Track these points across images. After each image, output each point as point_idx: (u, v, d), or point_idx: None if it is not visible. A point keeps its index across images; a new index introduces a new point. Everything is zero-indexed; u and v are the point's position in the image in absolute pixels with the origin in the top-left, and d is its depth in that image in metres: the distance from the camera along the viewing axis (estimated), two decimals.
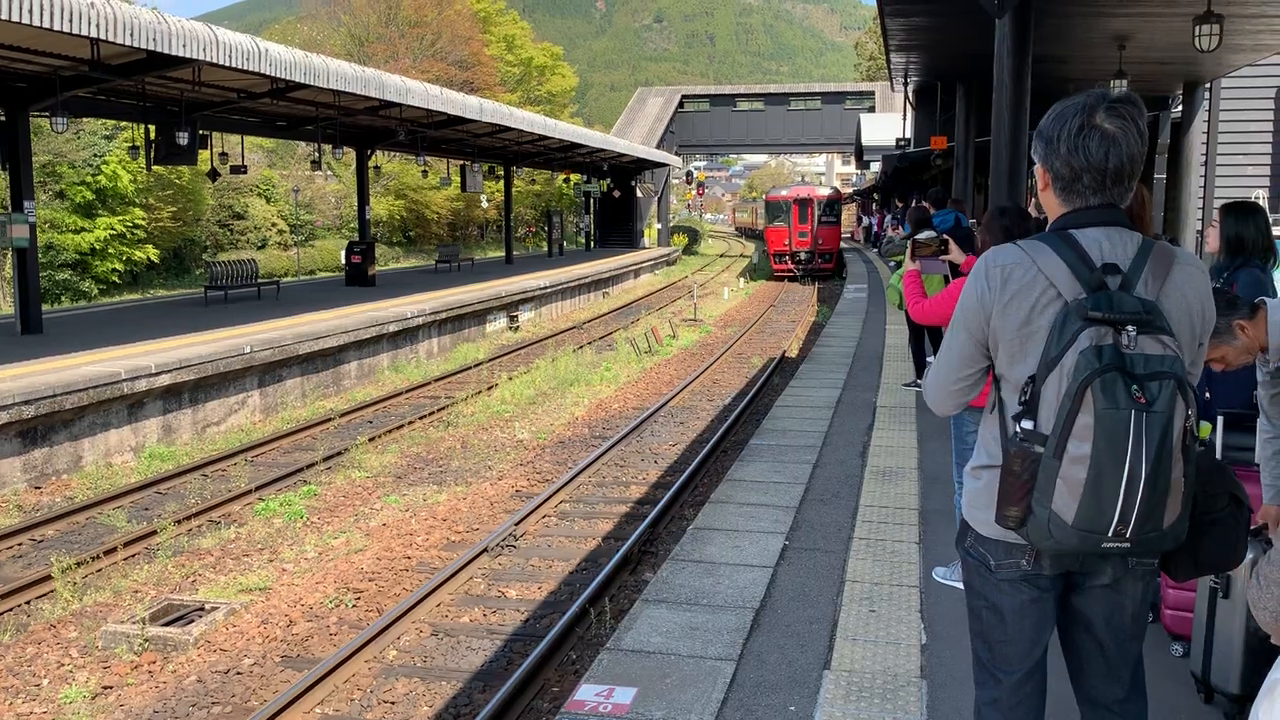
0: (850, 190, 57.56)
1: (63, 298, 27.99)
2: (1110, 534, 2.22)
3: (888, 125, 37.09)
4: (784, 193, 40.50)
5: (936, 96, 21.99)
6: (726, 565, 5.48)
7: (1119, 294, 2.26)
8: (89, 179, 29.47)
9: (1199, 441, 2.34)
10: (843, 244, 42.60)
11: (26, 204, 15.11)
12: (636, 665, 4.30)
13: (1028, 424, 2.29)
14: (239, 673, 6.69)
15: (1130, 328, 2.21)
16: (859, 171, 57.15)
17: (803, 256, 38.67)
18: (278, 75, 14.77)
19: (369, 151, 25.79)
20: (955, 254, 5.31)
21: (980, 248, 4.86)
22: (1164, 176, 18.23)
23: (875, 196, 46.97)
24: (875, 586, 5.22)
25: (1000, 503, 2.35)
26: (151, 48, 12.27)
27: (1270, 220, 4.72)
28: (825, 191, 41.00)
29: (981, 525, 2.51)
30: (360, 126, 23.48)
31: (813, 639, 4.57)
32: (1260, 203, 4.93)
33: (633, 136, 49.23)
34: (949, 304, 4.84)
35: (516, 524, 9.41)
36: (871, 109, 51.34)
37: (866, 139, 40.73)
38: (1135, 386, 2.17)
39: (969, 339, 2.48)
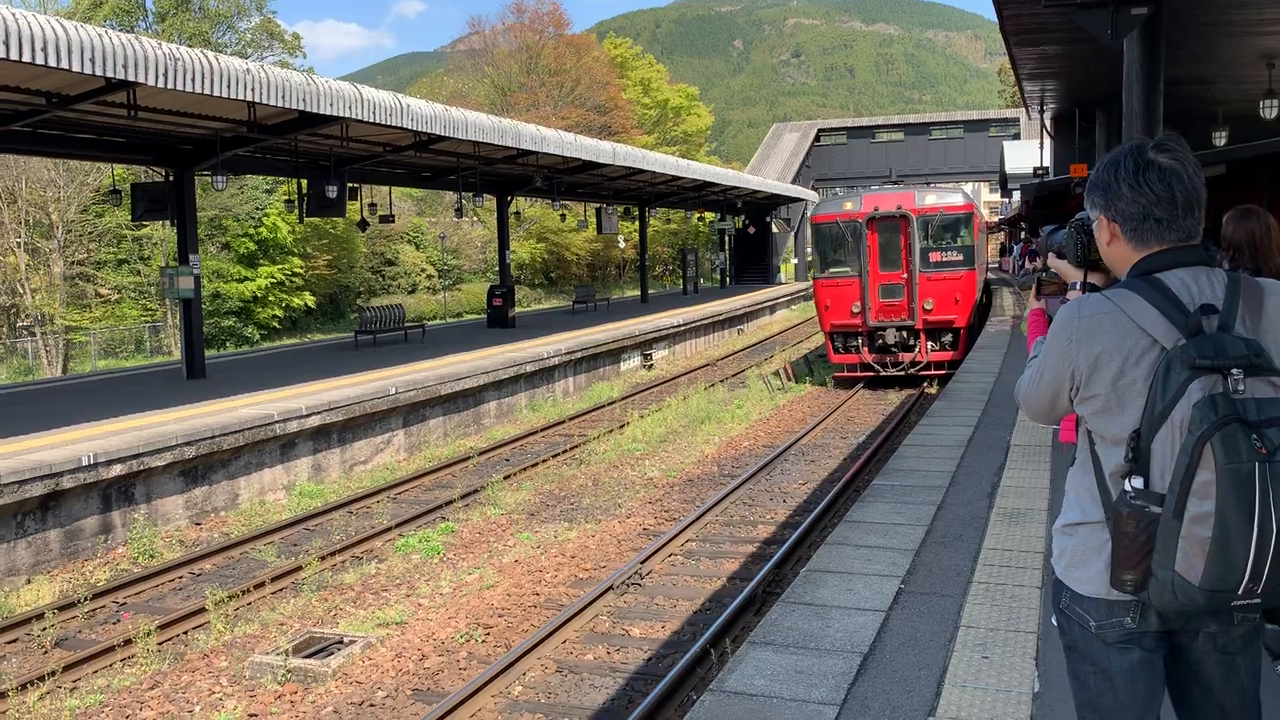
0: (998, 219, 55.44)
1: (228, 343, 29.74)
2: (1240, 592, 2.10)
3: (1031, 153, 35.00)
4: (848, 206, 20.45)
5: (1075, 123, 21.33)
6: (838, 608, 5.45)
7: (1221, 336, 2.15)
8: (251, 230, 31.37)
9: None
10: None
11: (192, 257, 16.21)
12: (738, 707, 4.33)
13: (1138, 482, 2.18)
14: (372, 705, 6.98)
15: (1236, 371, 2.09)
16: (1004, 200, 55.41)
17: (891, 338, 19.87)
18: (419, 129, 15.52)
19: (509, 198, 26.64)
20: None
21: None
22: None
23: (1023, 225, 45.00)
24: (991, 632, 5.11)
25: (1115, 566, 2.23)
26: (303, 108, 13.08)
27: None
28: (938, 198, 20.24)
29: (1078, 583, 2.38)
30: (499, 174, 24.30)
31: (920, 685, 4.51)
32: None
33: (768, 172, 49.29)
34: None
35: (643, 562, 9.52)
36: (1016, 135, 49.98)
37: (1010, 167, 39.36)
38: (1254, 436, 2.03)
39: (1056, 383, 2.38)
